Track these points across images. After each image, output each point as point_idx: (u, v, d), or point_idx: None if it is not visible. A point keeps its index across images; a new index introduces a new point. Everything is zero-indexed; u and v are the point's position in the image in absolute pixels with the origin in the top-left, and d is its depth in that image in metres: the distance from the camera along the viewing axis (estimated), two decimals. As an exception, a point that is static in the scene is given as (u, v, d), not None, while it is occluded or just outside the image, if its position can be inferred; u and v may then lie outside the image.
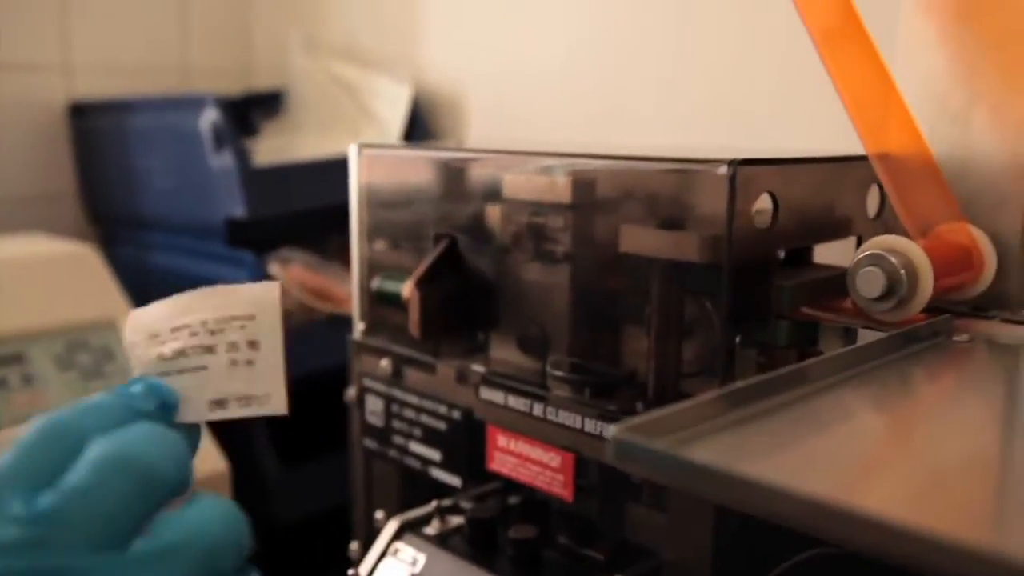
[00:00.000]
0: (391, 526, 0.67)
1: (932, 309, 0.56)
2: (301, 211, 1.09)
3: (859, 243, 0.62)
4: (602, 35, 1.09)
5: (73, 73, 1.38)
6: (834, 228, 0.62)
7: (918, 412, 0.44)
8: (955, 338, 0.50)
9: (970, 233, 0.55)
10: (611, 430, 0.33)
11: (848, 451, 0.36)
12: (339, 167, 1.04)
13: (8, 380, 0.99)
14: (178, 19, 1.48)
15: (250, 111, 1.44)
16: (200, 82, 1.50)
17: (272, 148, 1.36)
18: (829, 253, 0.63)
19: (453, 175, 0.70)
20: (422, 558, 0.63)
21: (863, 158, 0.58)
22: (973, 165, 0.57)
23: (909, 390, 0.46)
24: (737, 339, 0.54)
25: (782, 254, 0.64)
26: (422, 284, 0.66)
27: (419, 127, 1.26)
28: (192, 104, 1.13)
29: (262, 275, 1.09)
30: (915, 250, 0.49)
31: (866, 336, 0.52)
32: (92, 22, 1.39)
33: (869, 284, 0.50)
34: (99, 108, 1.34)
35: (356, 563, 0.70)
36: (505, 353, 0.67)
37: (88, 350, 1.04)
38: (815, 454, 0.35)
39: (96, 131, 1.34)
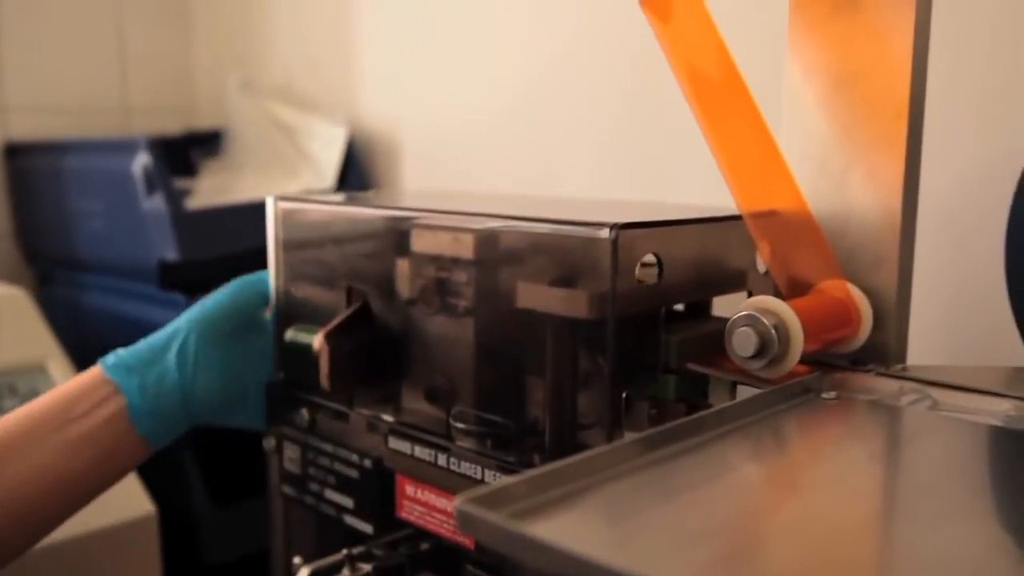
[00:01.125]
0: (303, 574, 0.68)
1: (816, 361, 0.59)
2: (232, 254, 1.09)
3: (750, 296, 0.64)
4: (529, 88, 1.12)
5: (7, 113, 1.39)
6: (724, 283, 0.64)
7: (770, 475, 0.46)
8: (824, 395, 0.52)
9: (848, 290, 0.57)
10: (456, 500, 0.35)
11: (685, 521, 0.37)
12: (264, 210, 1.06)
13: None
14: (117, 59, 1.50)
15: (190, 150, 1.45)
16: (141, 121, 1.52)
17: (212, 187, 1.37)
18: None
19: (364, 229, 0.71)
20: None
21: (762, 214, 0.61)
22: (851, 225, 0.59)
23: (766, 452, 0.47)
24: (624, 394, 0.56)
25: (681, 306, 0.66)
26: (331, 337, 0.67)
27: (355, 169, 1.28)
28: (125, 147, 1.15)
29: (193, 318, 1.11)
30: (787, 311, 0.51)
31: (745, 392, 0.55)
32: (27, 62, 1.40)
33: (743, 343, 0.52)
34: (34, 149, 1.36)
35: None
36: (414, 403, 0.68)
37: (16, 395, 1.05)
38: (650, 525, 0.36)
39: (31, 171, 1.35)
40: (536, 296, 0.59)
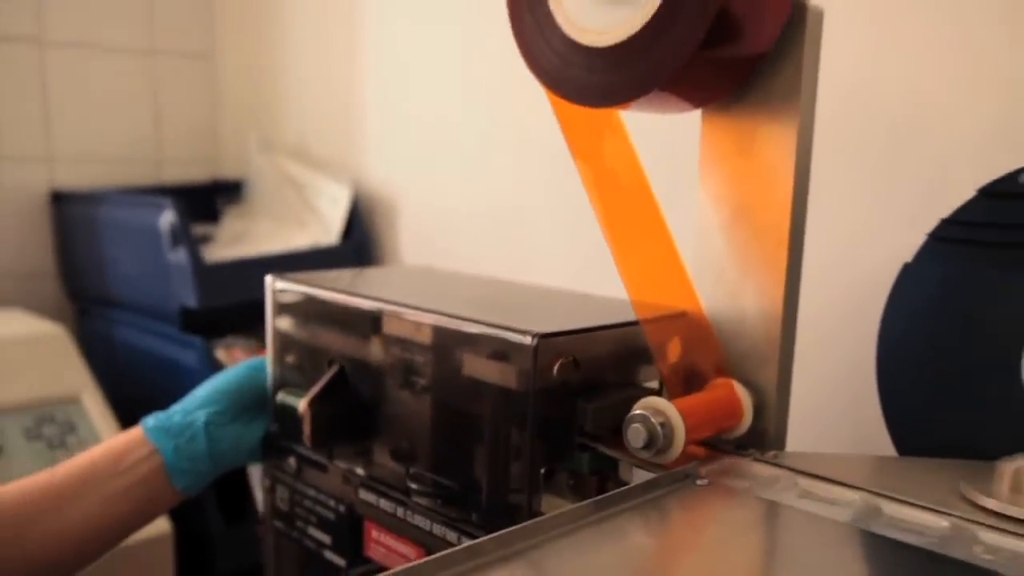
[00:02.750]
0: None
1: (708, 444, 0.65)
2: (245, 302, 1.13)
3: (661, 385, 0.69)
4: (504, 170, 1.17)
5: (55, 163, 1.44)
6: (639, 375, 0.69)
7: (656, 547, 0.52)
8: (698, 482, 0.57)
9: (733, 387, 0.63)
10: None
11: None
12: (279, 263, 1.12)
13: None
14: (152, 116, 1.55)
15: (215, 196, 1.52)
16: (172, 170, 1.57)
17: (232, 231, 1.44)
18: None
19: (345, 311, 0.75)
20: None
21: (659, 319, 0.67)
22: (743, 330, 0.63)
23: (652, 528, 0.52)
24: (543, 469, 0.62)
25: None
26: (313, 404, 0.73)
27: (357, 224, 1.33)
28: (154, 205, 1.19)
29: (210, 358, 1.17)
30: (673, 411, 0.57)
31: (640, 475, 0.61)
32: (73, 118, 1.45)
33: (635, 437, 0.57)
34: (76, 198, 1.40)
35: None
36: (382, 459, 0.73)
37: (54, 423, 1.10)
38: None
39: (74, 218, 1.40)
40: (478, 367, 0.64)
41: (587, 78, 0.60)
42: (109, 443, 0.77)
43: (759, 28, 0.59)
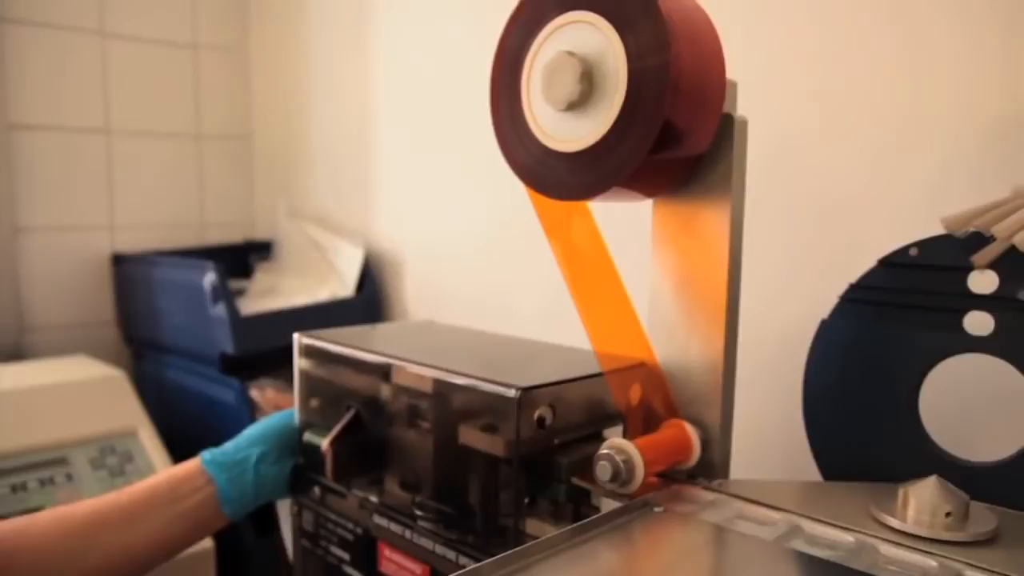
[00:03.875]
0: None
1: (663, 475, 0.66)
2: (275, 348, 1.14)
3: (625, 425, 0.71)
4: (497, 229, 1.19)
5: (115, 231, 1.46)
6: (608, 416, 0.70)
7: (623, 565, 0.54)
8: (655, 509, 0.58)
9: (684, 426, 0.64)
10: None
11: None
12: (303, 315, 1.13)
13: (54, 478, 1.05)
14: (196, 188, 1.57)
15: (249, 255, 1.53)
16: (213, 233, 1.59)
17: (263, 285, 1.45)
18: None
19: (360, 363, 0.77)
20: None
21: (621, 369, 0.69)
22: (691, 378, 0.66)
23: (618, 549, 0.53)
24: (527, 499, 0.63)
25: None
26: (334, 444, 0.74)
27: (369, 279, 1.34)
28: (198, 267, 1.21)
29: (245, 396, 1.18)
30: (633, 450, 0.59)
31: (608, 504, 0.62)
32: (131, 192, 1.48)
33: (602, 471, 0.59)
34: (133, 259, 1.42)
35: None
36: (393, 488, 0.74)
37: (115, 454, 1.11)
38: None
39: (130, 276, 1.41)
40: (471, 437, 0.66)
41: (557, 177, 0.62)
42: (170, 471, 0.78)
43: (696, 135, 0.61)
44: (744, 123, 0.64)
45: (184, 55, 1.55)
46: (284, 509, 0.96)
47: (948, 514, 0.54)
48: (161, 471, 1.09)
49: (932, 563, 0.52)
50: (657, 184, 0.64)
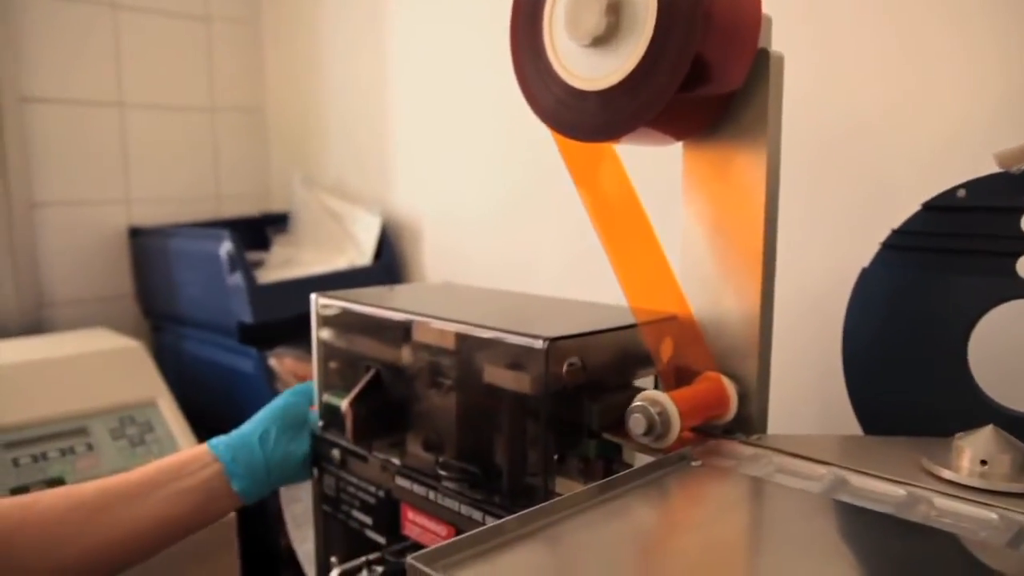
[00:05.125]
0: (333, 574, 0.73)
1: (699, 430, 0.63)
2: (293, 317, 1.11)
3: (657, 379, 0.68)
4: (514, 193, 1.16)
5: (131, 204, 1.44)
6: (637, 370, 0.67)
7: (659, 521, 0.50)
8: (692, 463, 0.55)
9: (720, 380, 0.61)
10: (409, 558, 0.40)
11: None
12: (320, 283, 1.10)
13: (75, 448, 1.04)
14: (212, 161, 1.55)
15: (265, 228, 1.50)
16: (229, 206, 1.56)
17: (280, 258, 1.43)
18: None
19: (379, 322, 0.74)
20: None
21: (654, 322, 0.65)
22: (725, 330, 0.62)
23: (654, 505, 0.50)
24: (556, 456, 0.60)
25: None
26: (354, 404, 0.72)
27: (387, 248, 1.32)
28: (214, 236, 1.19)
29: (263, 365, 1.15)
30: (668, 402, 0.55)
31: (641, 459, 0.59)
32: (147, 166, 1.45)
33: (636, 425, 0.56)
34: (149, 232, 1.39)
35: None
36: (415, 450, 0.71)
37: (135, 424, 1.09)
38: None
39: (148, 249, 1.39)
40: (497, 375, 0.63)
41: (581, 118, 0.59)
42: (177, 454, 0.77)
43: (729, 72, 0.57)
44: (780, 59, 0.60)
45: (197, 27, 1.52)
46: (287, 493, 0.93)
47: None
48: (174, 450, 1.08)
49: (992, 515, 0.48)
50: (688, 124, 0.61)
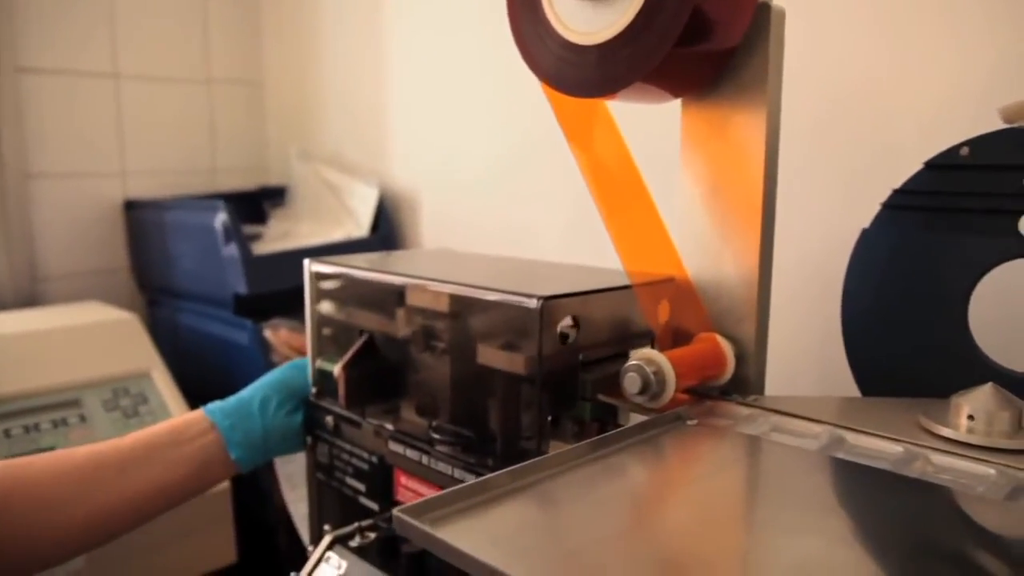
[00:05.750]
0: (325, 540, 0.72)
1: (695, 391, 0.62)
2: (288, 288, 1.09)
3: (652, 343, 0.67)
4: (512, 162, 1.15)
5: (127, 176, 1.43)
6: (635, 335, 0.66)
7: (651, 479, 0.49)
8: (688, 422, 0.55)
9: (717, 340, 0.60)
10: (395, 510, 0.39)
11: (567, 524, 0.41)
12: (316, 254, 1.09)
13: (68, 419, 1.03)
14: (209, 134, 1.54)
15: (263, 201, 1.49)
16: (225, 179, 1.55)
17: (278, 231, 1.42)
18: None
19: (372, 287, 0.73)
20: (345, 564, 0.65)
21: (650, 284, 0.64)
22: (723, 291, 0.61)
23: (648, 463, 0.50)
24: (550, 417, 0.59)
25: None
26: (346, 368, 0.71)
27: (384, 220, 1.31)
28: (209, 207, 1.18)
29: (258, 337, 1.15)
30: (664, 361, 0.55)
31: (636, 418, 0.58)
32: (143, 138, 1.44)
33: (631, 384, 0.55)
34: (145, 205, 1.38)
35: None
36: (409, 415, 0.71)
37: (128, 396, 1.09)
38: (531, 531, 0.40)
39: (143, 222, 1.38)
40: (490, 356, 0.62)
41: (579, 73, 0.58)
42: (172, 420, 0.75)
43: (728, 26, 0.56)
44: (782, 14, 0.59)
45: (192, -2, 1.50)
46: (283, 467, 0.92)
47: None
48: (169, 418, 1.07)
49: (990, 471, 0.47)
50: (686, 80, 0.59)
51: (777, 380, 0.65)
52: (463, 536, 0.38)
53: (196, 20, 1.51)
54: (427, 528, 0.38)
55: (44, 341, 1.11)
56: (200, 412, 0.75)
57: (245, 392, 0.78)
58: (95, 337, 1.14)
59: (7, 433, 0.98)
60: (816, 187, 0.82)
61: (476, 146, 1.20)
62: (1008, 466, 0.47)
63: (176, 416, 1.04)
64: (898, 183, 0.63)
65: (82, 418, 1.04)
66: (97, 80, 1.39)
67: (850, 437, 0.53)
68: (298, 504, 0.86)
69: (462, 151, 1.23)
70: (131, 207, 1.41)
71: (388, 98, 1.35)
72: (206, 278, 1.22)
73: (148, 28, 1.44)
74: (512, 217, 1.15)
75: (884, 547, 0.38)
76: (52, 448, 0.99)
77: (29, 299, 1.33)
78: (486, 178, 1.19)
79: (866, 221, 0.65)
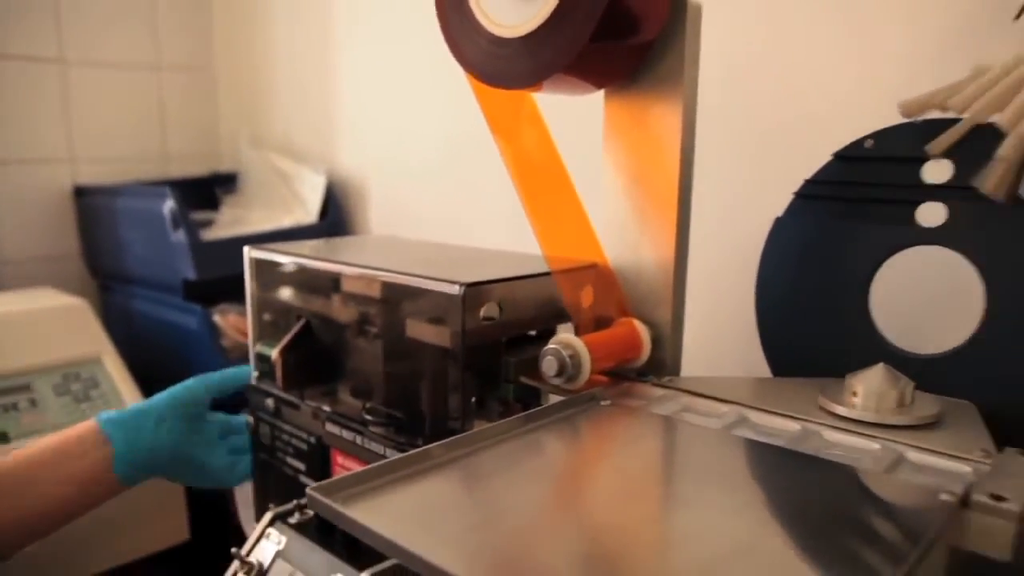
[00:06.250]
0: (266, 517, 0.73)
1: (613, 373, 0.64)
2: (236, 274, 1.11)
3: (576, 328, 0.69)
4: (456, 151, 1.17)
5: (76, 163, 1.42)
6: (556, 317, 0.68)
7: (567, 454, 0.52)
8: (602, 402, 0.57)
9: (634, 324, 0.63)
10: (308, 488, 0.41)
11: (474, 499, 0.43)
12: (263, 240, 1.09)
13: (18, 404, 1.03)
14: (159, 120, 1.53)
15: (215, 188, 1.49)
16: (177, 166, 1.55)
17: (230, 217, 1.41)
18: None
19: (309, 274, 0.74)
20: (284, 540, 0.65)
21: (571, 270, 0.66)
22: (641, 277, 0.64)
23: (564, 439, 0.52)
24: (474, 399, 0.61)
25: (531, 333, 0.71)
26: (283, 353, 0.73)
27: (333, 206, 1.31)
28: (157, 194, 1.18)
29: (208, 322, 1.15)
30: (580, 345, 0.57)
31: (554, 398, 0.60)
32: (92, 124, 1.43)
33: (548, 367, 0.57)
34: (95, 191, 1.38)
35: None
36: (345, 397, 0.73)
37: (79, 380, 1.09)
38: (440, 507, 0.42)
39: (93, 208, 1.38)
40: (418, 329, 0.64)
41: (503, 65, 0.59)
42: (65, 433, 0.75)
43: (645, 19, 0.58)
44: (698, 9, 0.61)
45: (143, -16, 1.49)
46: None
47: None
48: (119, 404, 1.07)
49: (875, 445, 0.50)
50: (606, 73, 0.61)
51: (698, 362, 0.68)
52: (371, 513, 0.39)
53: (145, 5, 1.49)
54: (336, 505, 0.40)
55: (-6, 327, 1.10)
56: (92, 424, 0.75)
57: (144, 403, 0.78)
58: (46, 322, 1.13)
59: (-45, 418, 0.98)
60: (733, 176, 0.84)
61: (423, 134, 1.21)
62: (891, 440, 0.50)
63: (126, 399, 1.05)
64: (809, 174, 0.66)
65: (32, 402, 1.04)
66: (43, 65, 1.37)
67: (753, 416, 0.56)
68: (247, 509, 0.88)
69: (410, 139, 1.24)
70: (81, 193, 1.40)
71: (337, 85, 1.36)
72: (156, 264, 1.22)
73: (96, 14, 1.43)
74: (458, 204, 1.17)
75: (768, 516, 0.41)
76: (4, 432, 1.00)
77: (-20, 284, 1.32)
78: (433, 166, 1.20)
79: (779, 210, 0.67)
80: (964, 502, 0.41)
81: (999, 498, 0.40)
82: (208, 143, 1.60)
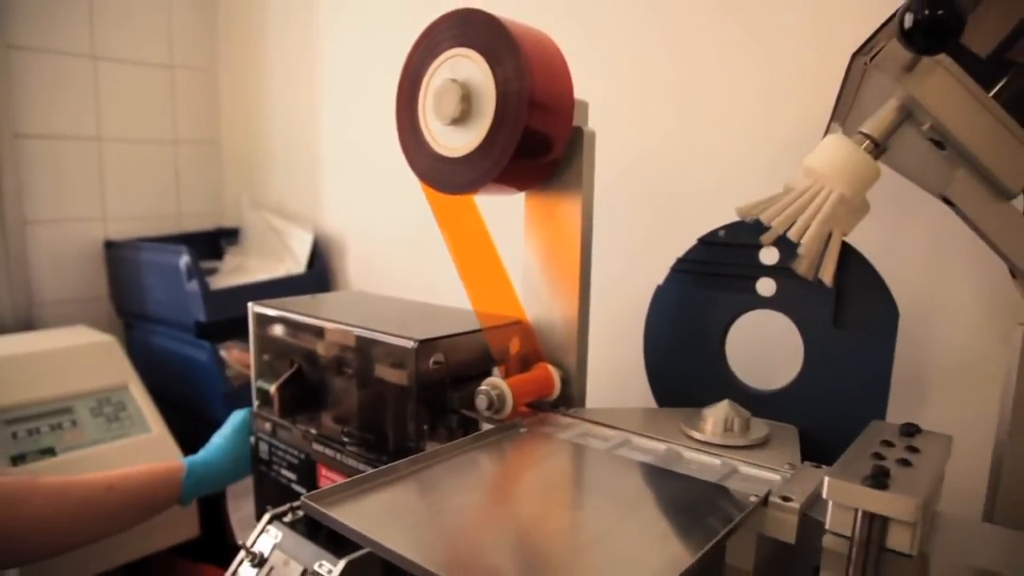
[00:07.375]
0: (266, 516, 0.79)
1: (533, 405, 0.71)
2: (240, 316, 1.12)
3: (506, 372, 0.75)
4: (422, 220, 1.23)
5: (108, 221, 1.46)
6: (491, 361, 0.74)
7: (494, 470, 0.59)
8: (521, 430, 0.64)
9: (548, 368, 0.70)
10: (302, 497, 0.47)
11: (430, 503, 0.49)
12: (262, 288, 1.15)
13: (63, 424, 1.06)
14: (174, 185, 1.57)
15: (219, 240, 1.53)
16: (189, 222, 1.58)
17: (232, 266, 1.45)
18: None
19: (300, 325, 0.80)
20: (280, 534, 0.69)
21: (502, 326, 0.73)
22: (554, 331, 0.71)
23: (493, 458, 0.59)
24: (426, 425, 0.68)
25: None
26: (280, 389, 0.78)
27: (319, 259, 1.36)
28: (175, 251, 1.22)
29: (216, 356, 1.20)
30: (504, 386, 0.64)
31: (486, 426, 0.67)
32: (121, 189, 1.47)
33: (480, 403, 0.64)
34: (122, 245, 1.41)
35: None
36: (328, 423, 0.78)
37: (111, 404, 1.12)
38: (403, 508, 0.48)
39: (121, 259, 1.40)
40: (384, 371, 0.70)
41: (447, 177, 0.67)
42: (154, 469, 0.86)
43: (552, 145, 0.66)
44: (592, 135, 0.69)
45: (162, 75, 1.54)
46: (234, 503, 1.00)
47: (731, 426, 0.61)
48: (143, 423, 1.12)
49: (717, 462, 0.58)
50: (525, 181, 0.69)
51: (605, 396, 0.75)
52: (349, 514, 0.46)
53: (166, 92, 1.54)
54: (323, 508, 0.46)
55: (41, 360, 1.13)
56: (179, 468, 0.85)
57: (226, 443, 0.89)
58: (82, 356, 1.16)
59: (14, 435, 1.02)
60: (625, 252, 0.92)
61: (394, 201, 1.27)
62: (729, 457, 0.58)
63: (148, 419, 1.10)
64: (681, 253, 0.74)
65: (74, 422, 1.08)
66: (83, 143, 1.41)
67: (634, 439, 0.63)
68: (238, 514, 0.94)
69: (383, 207, 1.29)
70: (110, 246, 1.43)
71: (322, 155, 1.41)
72: (173, 307, 1.26)
73: (126, 98, 1.47)
74: (422, 263, 1.23)
75: (631, 513, 0.49)
76: (51, 447, 1.03)
77: (26, 323, 1.35)
78: (402, 230, 1.26)
79: (660, 278, 0.75)
80: (765, 502, 0.49)
81: (787, 499, 0.48)
82: (215, 204, 1.64)
